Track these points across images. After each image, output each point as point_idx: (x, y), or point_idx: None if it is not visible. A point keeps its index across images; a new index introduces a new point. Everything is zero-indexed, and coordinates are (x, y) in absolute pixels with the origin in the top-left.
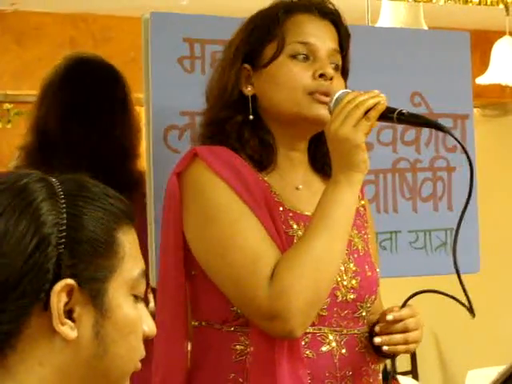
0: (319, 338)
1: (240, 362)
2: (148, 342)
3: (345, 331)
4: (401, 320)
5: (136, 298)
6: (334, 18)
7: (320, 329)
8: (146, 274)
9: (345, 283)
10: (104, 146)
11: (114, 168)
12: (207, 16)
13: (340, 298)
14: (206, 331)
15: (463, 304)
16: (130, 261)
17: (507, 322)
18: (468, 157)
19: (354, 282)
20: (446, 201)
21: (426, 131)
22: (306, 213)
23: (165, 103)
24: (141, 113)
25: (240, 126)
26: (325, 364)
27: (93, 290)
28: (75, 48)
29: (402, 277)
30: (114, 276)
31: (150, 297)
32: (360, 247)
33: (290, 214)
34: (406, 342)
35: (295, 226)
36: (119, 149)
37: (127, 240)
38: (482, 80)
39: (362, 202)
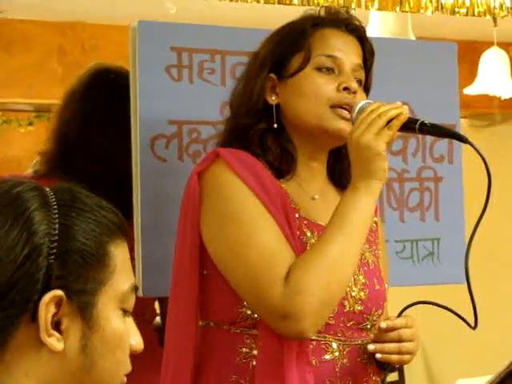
0: (323, 346)
1: (243, 364)
2: (156, 349)
3: (348, 341)
4: (395, 329)
5: (125, 312)
6: (360, 35)
7: (325, 337)
8: (136, 288)
9: (353, 294)
10: (124, 152)
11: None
12: (195, 25)
13: (347, 308)
14: (213, 332)
15: (461, 317)
16: (121, 274)
17: (495, 331)
18: (487, 168)
19: (362, 293)
20: (433, 211)
21: (413, 141)
22: (320, 222)
23: (152, 112)
24: None
25: (263, 133)
26: (326, 372)
27: (82, 302)
28: (63, 56)
29: (389, 287)
30: (104, 289)
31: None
32: (370, 261)
33: (305, 222)
34: (399, 352)
35: (309, 234)
36: None
37: (119, 254)
38: (469, 90)
39: (375, 219)
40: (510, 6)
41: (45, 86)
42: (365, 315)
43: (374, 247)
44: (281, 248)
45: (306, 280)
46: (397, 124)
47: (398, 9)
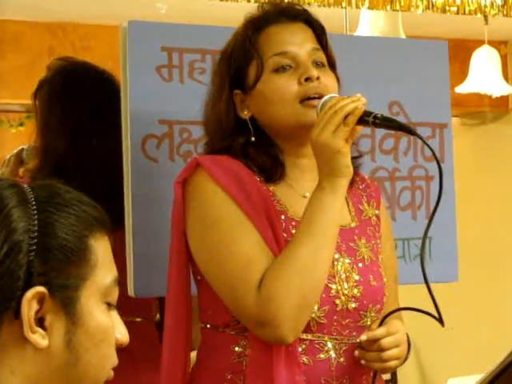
0: (317, 346)
1: (238, 364)
2: (156, 346)
3: (346, 340)
4: (377, 339)
5: (109, 305)
6: (305, 18)
7: (319, 336)
8: (119, 281)
9: (345, 292)
10: (114, 157)
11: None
12: (185, 25)
13: (340, 307)
14: (210, 333)
15: (434, 317)
16: (103, 268)
17: (486, 330)
18: (438, 162)
19: (355, 291)
20: (425, 210)
21: (404, 140)
22: None
23: (143, 112)
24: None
25: (243, 146)
26: (321, 371)
27: (64, 297)
28: (54, 57)
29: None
30: (87, 284)
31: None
32: (366, 257)
33: (293, 223)
34: (381, 361)
35: None
36: None
37: (100, 247)
38: (460, 89)
39: (376, 212)
40: (500, 3)
41: (36, 87)
42: (361, 312)
43: (373, 242)
44: (258, 255)
45: (276, 286)
46: (353, 119)
47: (388, 7)
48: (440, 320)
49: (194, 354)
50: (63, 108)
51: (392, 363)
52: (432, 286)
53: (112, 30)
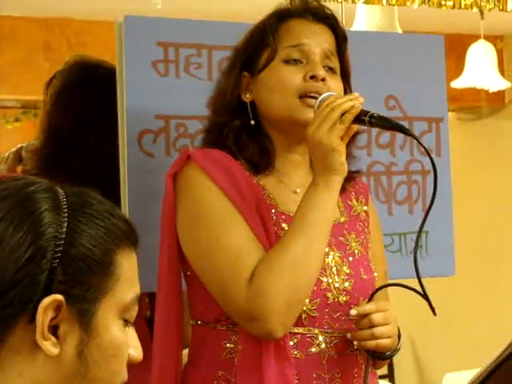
0: (308, 339)
1: (229, 360)
2: (146, 344)
3: (336, 333)
4: (366, 315)
5: (126, 322)
6: (330, 22)
7: (310, 330)
8: (140, 299)
9: (336, 285)
10: (113, 148)
11: None
12: (181, 20)
13: (331, 300)
14: (201, 329)
15: (429, 301)
16: (125, 284)
17: (483, 324)
18: (432, 160)
19: (346, 284)
20: (421, 204)
21: (400, 135)
22: None
23: (139, 107)
24: None
25: (238, 130)
26: (312, 365)
27: (81, 309)
28: (50, 52)
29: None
30: (106, 298)
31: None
32: (356, 251)
33: (283, 217)
34: (373, 337)
35: (287, 228)
36: None
37: (125, 263)
38: (456, 84)
39: (365, 208)
40: None
41: (32, 83)
42: (351, 305)
43: (363, 237)
44: (249, 249)
45: (268, 281)
46: (349, 117)
47: (384, 2)
48: (432, 309)
49: (185, 352)
50: (73, 97)
51: (384, 341)
52: (429, 280)
53: (107, 26)
